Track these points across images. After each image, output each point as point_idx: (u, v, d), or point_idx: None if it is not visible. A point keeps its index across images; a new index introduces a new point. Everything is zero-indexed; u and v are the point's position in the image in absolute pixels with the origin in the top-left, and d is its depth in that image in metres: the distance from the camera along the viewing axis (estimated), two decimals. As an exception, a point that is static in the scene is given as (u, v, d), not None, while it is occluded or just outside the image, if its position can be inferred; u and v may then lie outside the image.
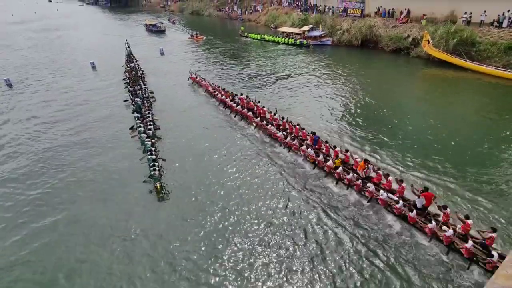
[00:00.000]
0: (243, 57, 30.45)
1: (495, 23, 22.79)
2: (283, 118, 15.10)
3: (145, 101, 18.46)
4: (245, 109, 16.62)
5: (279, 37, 35.78)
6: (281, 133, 13.83)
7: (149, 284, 8.28)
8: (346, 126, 15.74)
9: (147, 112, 16.79)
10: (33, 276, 8.77)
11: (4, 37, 52.74)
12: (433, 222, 8.65)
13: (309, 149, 12.44)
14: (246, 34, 39.89)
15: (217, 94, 19.18)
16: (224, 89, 19.51)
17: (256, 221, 10.04)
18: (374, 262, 8.35)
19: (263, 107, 16.40)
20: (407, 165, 12.15)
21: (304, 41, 32.50)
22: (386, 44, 28.04)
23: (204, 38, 39.43)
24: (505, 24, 22.34)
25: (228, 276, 8.36)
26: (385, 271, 8.11)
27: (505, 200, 10.11)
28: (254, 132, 15.50)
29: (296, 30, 34.46)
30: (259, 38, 37.71)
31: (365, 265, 8.32)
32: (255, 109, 16.38)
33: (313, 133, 13.41)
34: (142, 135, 14.47)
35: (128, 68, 25.89)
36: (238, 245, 9.25)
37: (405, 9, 28.90)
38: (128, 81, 23.04)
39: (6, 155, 14.92)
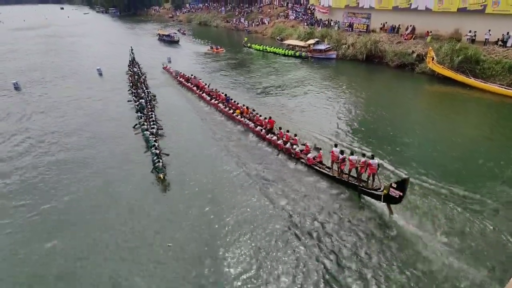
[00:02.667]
0: (246, 66, 30.91)
1: (500, 42, 22.97)
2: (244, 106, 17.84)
3: (148, 103, 19.37)
4: (205, 94, 21.04)
5: (280, 48, 36.73)
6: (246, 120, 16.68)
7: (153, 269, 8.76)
8: (348, 136, 15.82)
9: (150, 112, 17.91)
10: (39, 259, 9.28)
11: (14, 42, 53.85)
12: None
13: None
14: (249, 44, 41.08)
15: (188, 83, 23.95)
16: (194, 77, 23.83)
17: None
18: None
19: (223, 93, 20.30)
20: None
21: (303, 53, 33.45)
22: (390, 59, 28.28)
23: (224, 50, 38.57)
24: (509, 43, 22.50)
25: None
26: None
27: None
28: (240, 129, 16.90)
29: (301, 43, 34.88)
30: (261, 49, 38.85)
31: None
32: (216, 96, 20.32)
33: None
34: (146, 132, 15.42)
35: (131, 73, 27.02)
36: (231, 228, 10.06)
37: (410, 25, 29.25)
38: (131, 84, 24.27)
39: (18, 152, 15.36)
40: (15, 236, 10.11)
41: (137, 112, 18.49)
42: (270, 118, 15.93)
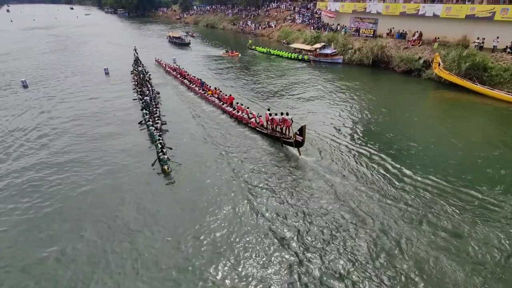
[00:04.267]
0: (253, 69, 30.90)
1: (508, 49, 22.80)
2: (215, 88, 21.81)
3: (152, 100, 20.13)
4: (186, 80, 25.37)
5: (283, 51, 37.09)
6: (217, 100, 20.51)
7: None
8: (354, 137, 15.85)
9: (155, 109, 18.68)
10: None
11: (24, 41, 54.62)
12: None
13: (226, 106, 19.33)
14: (253, 47, 41.59)
15: (174, 72, 28.32)
16: (191, 75, 26.20)
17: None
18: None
19: (199, 79, 24.68)
20: (409, 178, 12.16)
21: (305, 56, 33.90)
22: (397, 65, 28.19)
23: (239, 55, 37.73)
24: (518, 51, 22.36)
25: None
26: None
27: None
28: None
29: (308, 47, 34.93)
30: (264, 51, 39.28)
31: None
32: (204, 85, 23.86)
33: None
34: (151, 127, 16.04)
35: (136, 72, 27.74)
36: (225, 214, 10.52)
37: (417, 31, 29.17)
38: (136, 83, 25.05)
39: (23, 149, 15.56)
40: (26, 227, 10.38)
41: (142, 109, 19.20)
42: (230, 95, 20.04)
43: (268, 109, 16.66)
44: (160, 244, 9.52)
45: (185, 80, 25.67)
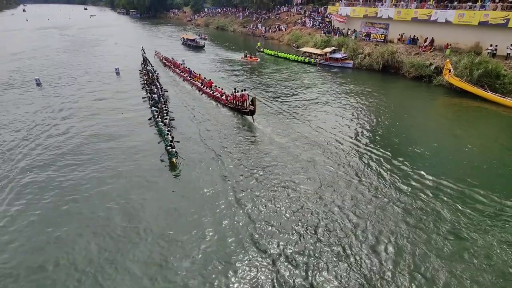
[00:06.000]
0: (263, 73, 30.99)
1: (522, 57, 22.49)
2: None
3: (161, 98, 20.90)
4: (178, 70, 30.36)
5: (291, 54, 37.29)
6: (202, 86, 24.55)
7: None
8: (361, 144, 15.77)
9: (163, 106, 19.40)
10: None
11: (38, 40, 55.77)
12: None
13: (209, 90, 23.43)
14: (262, 49, 41.86)
15: (169, 64, 32.59)
16: (182, 65, 30.69)
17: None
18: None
19: (188, 68, 29.23)
20: (418, 183, 12.01)
21: (312, 60, 34.18)
22: (407, 70, 27.98)
23: (259, 59, 36.70)
24: (532, 58, 22.02)
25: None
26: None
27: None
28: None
29: (318, 51, 34.92)
30: (272, 54, 39.54)
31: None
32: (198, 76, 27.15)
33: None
34: (160, 123, 16.72)
35: (145, 71, 28.48)
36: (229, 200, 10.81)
37: (429, 37, 28.93)
38: (144, 82, 25.80)
39: (35, 144, 15.93)
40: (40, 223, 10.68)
41: (151, 106, 20.00)
42: (210, 80, 24.79)
43: (234, 89, 20.80)
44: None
45: (177, 69, 30.65)
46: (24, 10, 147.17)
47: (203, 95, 23.61)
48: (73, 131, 17.70)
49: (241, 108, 19.06)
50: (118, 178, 13.09)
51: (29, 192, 12.29)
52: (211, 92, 22.67)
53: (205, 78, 25.69)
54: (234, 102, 19.85)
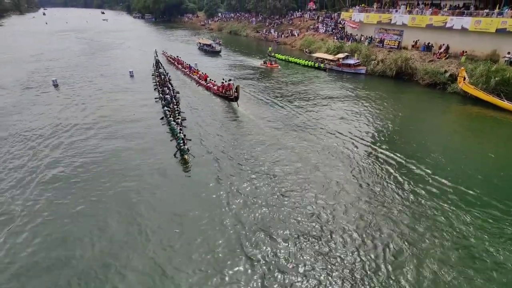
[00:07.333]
0: (274, 76, 31.08)
1: (541, 66, 21.92)
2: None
3: (173, 99, 21.85)
4: (181, 66, 34.55)
5: (301, 59, 37.54)
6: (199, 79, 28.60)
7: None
8: (373, 149, 15.63)
9: (175, 106, 20.31)
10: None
11: (56, 42, 57.39)
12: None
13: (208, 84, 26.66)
14: (273, 54, 41.93)
15: (174, 62, 36.99)
16: (184, 62, 34.62)
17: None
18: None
19: (188, 64, 33.26)
20: (430, 187, 11.80)
21: (322, 65, 34.35)
22: (421, 77, 27.62)
23: (279, 66, 35.82)
24: (552, 67, 21.42)
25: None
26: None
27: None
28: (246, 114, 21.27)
29: (330, 57, 34.85)
30: (283, 58, 39.83)
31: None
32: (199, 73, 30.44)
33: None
34: (172, 122, 17.49)
35: (157, 73, 29.44)
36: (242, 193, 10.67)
37: (444, 44, 28.53)
38: (157, 83, 26.78)
39: (57, 143, 16.46)
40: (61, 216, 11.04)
41: (163, 107, 20.82)
42: (205, 74, 28.71)
43: (223, 79, 24.27)
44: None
45: (179, 66, 34.87)
46: (44, 14, 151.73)
47: (199, 86, 27.61)
48: (88, 130, 18.12)
49: (228, 96, 22.54)
50: (134, 171, 13.86)
51: (45, 190, 12.59)
52: (206, 84, 26.63)
53: (202, 72, 29.55)
54: (223, 91, 23.26)
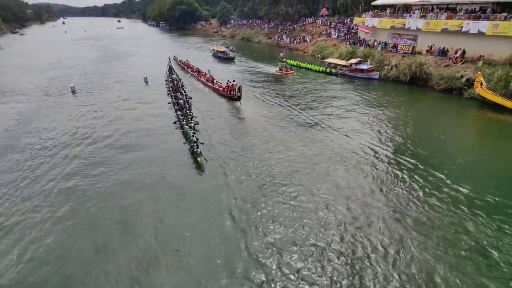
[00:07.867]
0: (287, 81, 31.14)
1: None
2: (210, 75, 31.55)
3: (186, 103, 22.30)
4: (190, 70, 36.92)
5: (312, 64, 37.74)
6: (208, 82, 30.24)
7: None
8: (387, 154, 15.39)
9: (188, 111, 20.80)
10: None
11: (74, 49, 59.22)
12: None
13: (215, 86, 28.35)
14: (284, 60, 42.11)
15: (184, 66, 39.45)
16: (194, 67, 36.57)
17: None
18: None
19: (197, 68, 35.70)
20: (443, 200, 11.47)
21: (333, 70, 34.49)
22: (436, 83, 27.11)
23: (295, 73, 35.24)
24: None
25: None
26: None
27: None
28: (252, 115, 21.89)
29: (343, 62, 34.69)
30: (294, 64, 39.90)
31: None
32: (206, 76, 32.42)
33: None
34: (185, 126, 18.03)
35: (170, 79, 30.36)
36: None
37: (460, 49, 28.00)
38: (170, 89, 27.46)
39: (75, 144, 17.09)
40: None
41: (176, 111, 21.41)
42: (212, 76, 30.66)
43: (228, 81, 25.54)
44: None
45: (188, 69, 37.14)
46: (63, 23, 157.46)
47: (206, 88, 29.61)
48: (106, 138, 18.33)
49: (232, 96, 23.94)
50: (148, 174, 14.31)
51: (67, 199, 12.87)
52: (213, 85, 28.48)
53: (210, 75, 31.41)
54: (228, 91, 24.73)
